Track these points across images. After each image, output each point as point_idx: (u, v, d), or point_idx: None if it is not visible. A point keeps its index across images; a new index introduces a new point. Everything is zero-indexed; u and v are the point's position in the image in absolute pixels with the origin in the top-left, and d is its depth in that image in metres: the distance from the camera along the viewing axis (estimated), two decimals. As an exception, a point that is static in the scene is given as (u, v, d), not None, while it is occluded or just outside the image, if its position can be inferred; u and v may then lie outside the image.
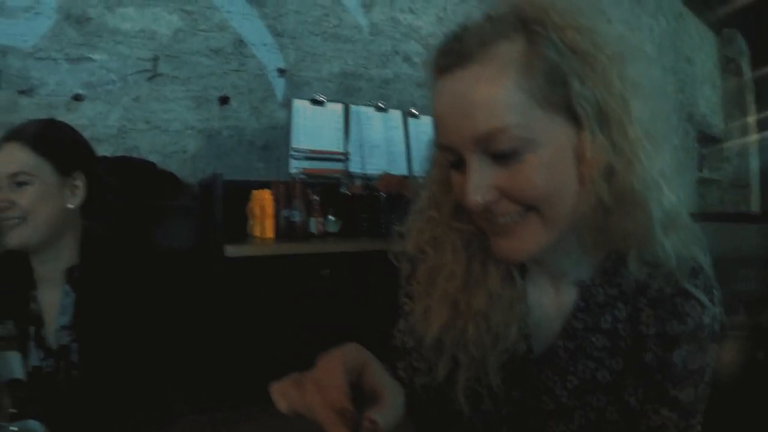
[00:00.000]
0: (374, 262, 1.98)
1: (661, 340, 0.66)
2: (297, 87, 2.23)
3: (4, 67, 2.00)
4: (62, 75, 2.00)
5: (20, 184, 1.15)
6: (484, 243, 0.65)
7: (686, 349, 0.66)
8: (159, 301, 1.23)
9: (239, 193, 1.96)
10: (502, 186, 0.59)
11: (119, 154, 1.92)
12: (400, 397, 0.57)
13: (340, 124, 2.19)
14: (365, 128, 2.23)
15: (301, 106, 2.13)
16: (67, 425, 1.00)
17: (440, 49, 0.62)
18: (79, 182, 1.23)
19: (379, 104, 2.27)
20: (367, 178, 2.16)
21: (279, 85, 2.21)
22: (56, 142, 1.22)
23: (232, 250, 1.83)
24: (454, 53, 0.60)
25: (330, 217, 2.06)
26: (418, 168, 2.29)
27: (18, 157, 1.15)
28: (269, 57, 2.20)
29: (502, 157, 0.58)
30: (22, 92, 1.98)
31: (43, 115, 2.02)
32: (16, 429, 0.87)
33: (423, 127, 2.34)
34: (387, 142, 2.26)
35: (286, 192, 1.97)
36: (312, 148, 2.12)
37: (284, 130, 2.12)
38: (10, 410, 0.94)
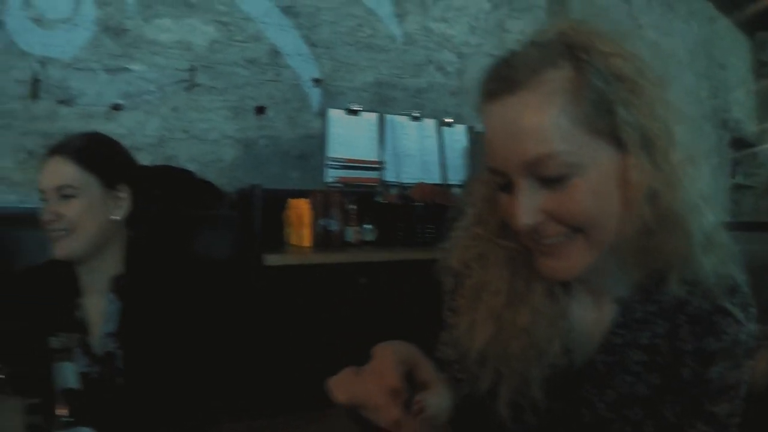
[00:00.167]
0: (410, 271, 2.01)
1: (699, 356, 0.68)
2: (332, 97, 2.25)
3: (44, 78, 2.06)
4: (101, 85, 2.05)
5: (66, 197, 1.19)
6: (529, 260, 0.67)
7: (723, 366, 0.68)
8: (200, 309, 1.25)
9: (276, 201, 1.99)
10: (549, 209, 0.61)
11: (158, 163, 1.96)
12: (448, 391, 0.64)
13: (375, 134, 2.21)
14: (400, 137, 2.25)
15: (336, 115, 2.15)
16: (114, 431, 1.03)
17: (489, 75, 0.65)
18: (124, 194, 1.27)
19: (413, 113, 2.29)
20: (402, 187, 2.18)
21: (314, 94, 2.25)
22: (101, 156, 1.26)
23: (271, 259, 1.87)
24: (503, 79, 0.62)
25: (366, 225, 2.09)
26: (453, 177, 2.32)
27: (64, 171, 1.19)
28: (304, 67, 2.23)
29: (550, 182, 0.61)
30: (61, 102, 2.03)
31: (82, 124, 2.08)
32: None
33: (456, 135, 2.36)
34: (421, 151, 2.27)
35: (323, 201, 2.00)
36: (347, 157, 2.14)
37: (320, 140, 2.14)
38: (66, 419, 0.97)
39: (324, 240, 1.99)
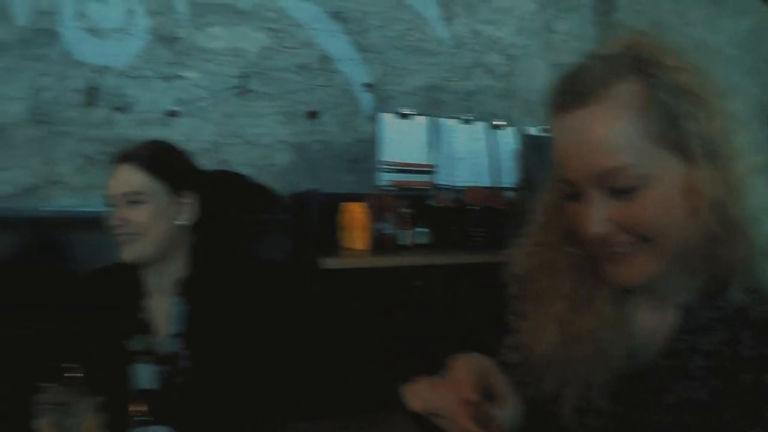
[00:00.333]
0: (464, 274, 2.01)
1: (760, 363, 0.69)
2: (383, 101, 2.27)
3: (100, 86, 2.13)
4: (156, 92, 2.10)
5: (135, 203, 1.22)
6: (593, 267, 0.70)
7: None
8: (262, 311, 1.27)
9: (328, 205, 2.03)
10: (618, 219, 0.64)
11: (212, 167, 2.00)
12: (519, 404, 0.69)
13: (426, 137, 2.22)
14: (451, 140, 2.25)
15: (387, 119, 2.18)
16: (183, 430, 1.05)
17: (558, 87, 0.67)
18: (189, 200, 1.31)
19: (464, 116, 2.29)
20: (454, 190, 2.19)
21: (365, 99, 2.27)
22: (167, 163, 1.30)
23: (328, 263, 1.89)
24: (574, 92, 0.65)
25: (419, 229, 2.10)
26: (504, 179, 2.32)
27: (133, 179, 1.23)
28: (355, 72, 2.26)
29: (620, 193, 0.63)
30: (117, 109, 2.09)
31: (138, 130, 2.13)
32: None
33: (506, 138, 2.37)
34: (472, 153, 2.28)
35: (378, 204, 2.02)
36: (399, 160, 2.16)
37: (371, 144, 2.17)
38: (143, 417, 0.99)
39: (379, 243, 2.01)
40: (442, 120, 2.26)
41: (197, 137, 2.05)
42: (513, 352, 0.81)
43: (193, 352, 1.21)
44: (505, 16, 2.51)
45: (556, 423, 0.74)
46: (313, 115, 2.21)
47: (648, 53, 0.65)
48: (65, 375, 0.93)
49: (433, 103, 2.33)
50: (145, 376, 1.24)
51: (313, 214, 1.89)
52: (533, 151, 2.34)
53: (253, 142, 2.13)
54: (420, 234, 2.08)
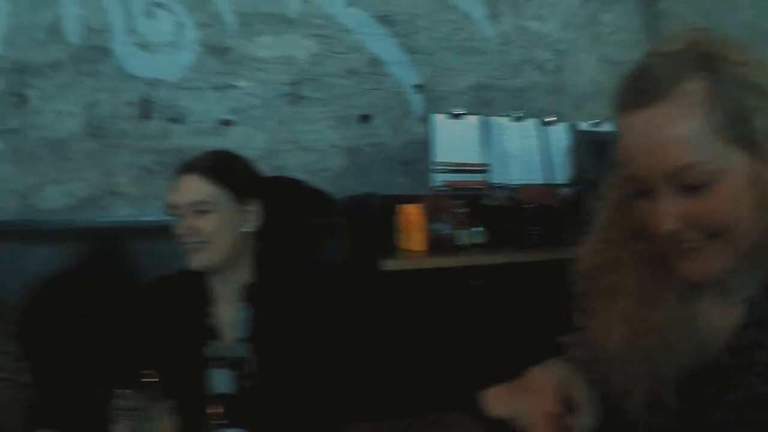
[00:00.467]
0: (521, 273, 2.00)
1: None
2: (434, 102, 2.27)
3: (154, 98, 2.19)
4: (209, 102, 2.14)
5: (201, 212, 1.26)
6: (661, 263, 0.71)
7: None
8: (325, 315, 1.29)
9: (383, 208, 2.03)
10: (689, 215, 0.65)
11: (269, 174, 2.04)
12: (596, 411, 0.71)
13: (478, 136, 2.22)
14: (503, 139, 2.24)
15: (439, 120, 2.18)
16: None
17: (626, 86, 0.69)
18: (253, 207, 1.33)
19: (515, 114, 2.29)
20: (508, 189, 2.18)
21: (416, 101, 2.28)
22: (232, 172, 1.33)
23: (388, 264, 1.90)
24: (642, 91, 0.66)
25: (475, 228, 2.10)
26: (557, 176, 2.30)
27: (199, 188, 1.27)
28: (405, 74, 2.27)
29: (691, 189, 0.65)
30: (171, 120, 2.14)
31: (193, 140, 2.18)
32: None
33: (558, 134, 2.36)
34: (524, 151, 2.27)
35: (434, 205, 2.03)
36: (452, 161, 2.16)
37: (424, 145, 2.17)
38: (219, 421, 1.01)
39: (436, 244, 2.01)
40: (493, 118, 2.26)
41: (251, 145, 2.09)
42: (580, 350, 0.82)
43: (259, 356, 1.23)
44: (550, 11, 2.50)
45: (623, 419, 0.75)
46: (364, 118, 2.23)
47: (712, 49, 0.67)
48: (141, 380, 0.95)
49: (484, 102, 2.33)
50: (220, 380, 1.26)
51: (371, 217, 1.90)
52: (585, 146, 2.32)
53: (306, 147, 2.16)
54: (476, 234, 2.08)
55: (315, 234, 1.79)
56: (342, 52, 2.24)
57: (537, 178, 2.26)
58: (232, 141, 2.09)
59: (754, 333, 0.71)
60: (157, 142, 2.13)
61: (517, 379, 0.76)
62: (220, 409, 1.01)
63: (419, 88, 2.30)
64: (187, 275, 1.34)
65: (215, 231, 1.26)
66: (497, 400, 0.70)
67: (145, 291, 1.40)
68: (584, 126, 2.37)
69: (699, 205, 0.65)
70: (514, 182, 2.21)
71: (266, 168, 2.10)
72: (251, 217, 1.33)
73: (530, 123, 2.32)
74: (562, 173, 2.30)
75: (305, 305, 1.30)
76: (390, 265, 1.89)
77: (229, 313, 1.30)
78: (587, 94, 2.46)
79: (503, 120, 2.28)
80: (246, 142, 2.10)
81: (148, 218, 2.10)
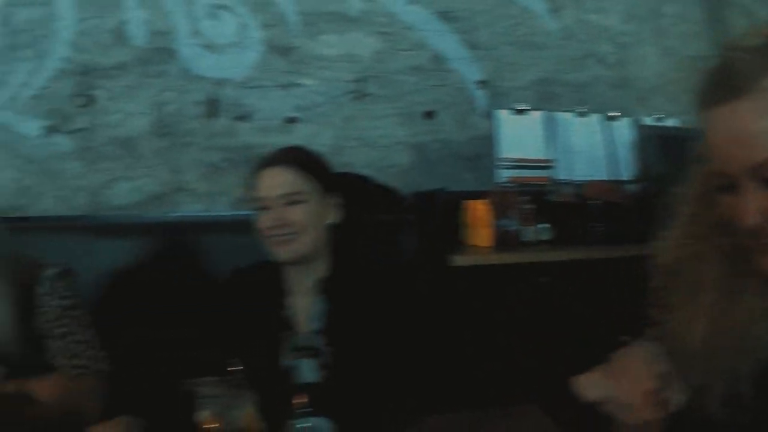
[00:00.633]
0: (588, 270, 2.00)
1: None
2: (497, 97, 2.28)
3: (221, 97, 2.25)
4: (274, 101, 2.19)
5: (294, 203, 1.29)
6: (744, 258, 0.71)
7: None
8: (398, 308, 1.31)
9: (449, 204, 2.06)
10: None
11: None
12: (683, 388, 0.72)
13: (543, 132, 2.21)
14: (566, 134, 2.22)
15: (502, 115, 2.19)
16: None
17: (708, 81, 0.69)
18: (337, 200, 1.37)
19: (578, 109, 2.27)
20: (573, 185, 2.18)
21: (480, 96, 2.29)
22: (319, 165, 1.37)
23: (458, 260, 1.92)
24: (724, 86, 0.66)
25: (541, 225, 2.11)
26: (622, 172, 2.29)
27: (290, 179, 1.30)
28: (468, 70, 2.28)
29: None
30: (238, 118, 2.20)
31: (260, 137, 2.23)
32: (310, 425, 0.96)
33: (621, 129, 2.34)
34: (589, 147, 2.25)
35: (501, 201, 2.04)
36: (517, 156, 2.16)
37: (488, 141, 2.17)
38: (304, 409, 1.03)
39: (502, 240, 2.02)
40: (557, 114, 2.26)
41: (317, 142, 2.12)
42: (657, 344, 0.80)
43: (333, 348, 1.26)
44: (611, 3, 2.47)
45: (700, 414, 0.74)
46: (429, 115, 2.25)
47: None
48: (226, 369, 0.98)
49: (547, 97, 2.32)
50: (306, 369, 1.29)
51: (440, 213, 1.93)
52: (650, 142, 2.31)
53: (372, 144, 2.19)
54: (542, 230, 2.08)
55: (384, 229, 1.82)
56: (405, 49, 2.25)
57: (601, 174, 2.24)
58: (298, 138, 2.13)
59: None
60: (224, 140, 2.19)
61: (608, 362, 0.77)
62: (305, 398, 1.03)
63: (482, 83, 2.30)
64: (263, 268, 1.38)
65: (305, 222, 1.29)
66: (591, 384, 0.71)
67: (223, 283, 1.45)
68: (649, 121, 2.35)
69: None
70: (579, 178, 2.20)
71: (333, 165, 2.16)
72: (333, 211, 1.37)
73: (594, 118, 2.31)
74: (626, 169, 2.28)
75: (377, 299, 1.32)
76: (458, 260, 1.91)
77: (304, 306, 1.33)
78: (651, 88, 2.43)
79: (567, 115, 2.28)
80: (312, 139, 2.13)
81: (216, 213, 2.17)
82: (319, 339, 1.30)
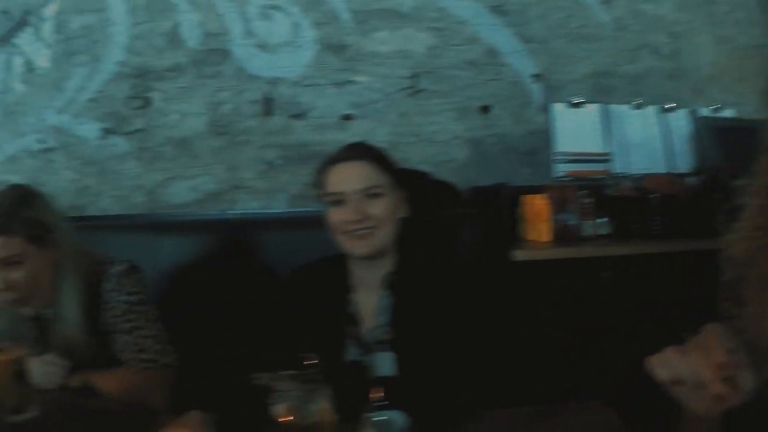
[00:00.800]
0: (649, 264, 1.96)
1: None
2: (553, 91, 2.25)
3: (276, 96, 2.27)
4: (329, 98, 2.20)
5: (374, 196, 1.29)
6: None
7: None
8: (462, 304, 1.30)
9: (508, 198, 2.05)
10: None
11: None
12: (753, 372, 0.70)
13: (599, 125, 2.17)
14: (623, 127, 2.18)
15: (558, 109, 2.16)
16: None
17: None
18: (405, 195, 1.36)
19: (634, 101, 2.23)
20: (631, 178, 2.15)
21: (535, 90, 2.27)
22: (389, 160, 1.37)
23: (518, 255, 1.91)
24: None
25: (600, 219, 2.08)
26: (679, 165, 2.24)
27: (369, 173, 1.30)
28: (522, 64, 2.26)
29: None
30: (294, 116, 2.22)
31: (316, 135, 2.24)
32: (385, 418, 0.95)
33: (678, 121, 2.30)
34: (646, 139, 2.20)
35: (560, 196, 2.01)
36: (574, 150, 2.12)
37: (545, 135, 2.15)
38: (380, 403, 1.02)
39: (561, 234, 1.99)
40: (613, 106, 2.22)
41: (374, 138, 2.09)
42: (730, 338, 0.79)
43: (400, 342, 1.25)
44: (664, -8, 2.44)
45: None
46: (485, 109, 2.23)
47: None
48: (303, 363, 0.98)
49: (602, 90, 2.27)
50: (385, 363, 1.29)
51: (503, 208, 1.91)
52: (707, 134, 2.26)
53: (428, 139, 2.19)
54: (601, 224, 2.05)
55: (446, 224, 1.82)
56: (459, 44, 2.24)
57: (659, 167, 2.20)
58: (354, 135, 2.14)
59: None
60: (280, 138, 2.21)
61: (683, 343, 0.76)
62: (381, 392, 1.02)
63: (537, 77, 2.28)
64: (328, 264, 1.38)
65: (385, 215, 1.29)
66: (664, 363, 0.70)
67: (288, 279, 1.45)
68: (705, 112, 2.30)
69: None
70: (637, 171, 2.16)
71: (391, 160, 2.16)
72: (404, 205, 1.37)
73: (650, 110, 2.27)
74: (684, 161, 2.24)
75: (441, 294, 1.32)
76: (520, 255, 1.90)
77: (370, 301, 1.33)
78: (706, 78, 2.37)
79: (623, 108, 2.24)
80: (368, 135, 2.13)
81: (273, 211, 2.19)
82: (383, 333, 1.30)
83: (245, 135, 2.24)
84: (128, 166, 2.33)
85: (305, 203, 2.11)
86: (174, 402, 1.36)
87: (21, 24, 2.39)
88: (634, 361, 1.88)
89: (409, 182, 1.51)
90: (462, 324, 1.30)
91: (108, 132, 2.34)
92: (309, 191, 2.19)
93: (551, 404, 1.13)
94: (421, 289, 1.34)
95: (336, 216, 1.31)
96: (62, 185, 2.32)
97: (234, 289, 1.76)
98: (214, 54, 2.31)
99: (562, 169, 2.12)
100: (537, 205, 1.98)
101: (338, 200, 1.31)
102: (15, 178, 2.05)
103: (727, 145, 2.17)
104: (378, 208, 1.29)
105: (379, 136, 2.15)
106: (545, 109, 2.20)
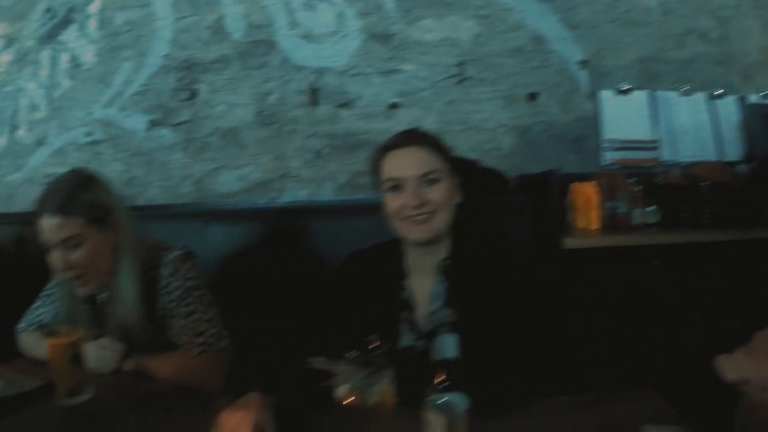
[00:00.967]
0: (699, 253, 1.93)
1: None
2: (600, 77, 2.21)
3: (322, 85, 2.26)
4: (376, 87, 2.19)
5: (432, 182, 1.28)
6: None
7: None
8: (515, 290, 1.28)
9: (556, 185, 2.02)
10: None
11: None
12: None
13: (647, 112, 2.12)
14: (671, 114, 2.13)
15: (606, 96, 2.11)
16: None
17: None
18: (458, 181, 1.35)
19: (682, 87, 2.18)
20: (680, 166, 2.10)
21: (582, 77, 2.22)
22: (445, 146, 1.36)
23: (568, 243, 1.89)
24: None
25: (649, 207, 2.04)
26: (729, 152, 2.19)
27: (427, 159, 1.28)
28: (569, 50, 2.22)
29: None
30: (341, 106, 2.21)
31: (363, 123, 2.23)
32: (447, 399, 0.94)
33: (726, 108, 2.25)
34: (694, 126, 2.15)
35: (609, 184, 1.98)
36: (622, 137, 2.07)
37: (592, 122, 2.11)
38: (443, 385, 1.01)
39: (611, 222, 1.97)
40: (660, 93, 2.17)
41: (421, 126, 2.13)
42: None
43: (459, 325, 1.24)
44: (711, -26, 2.38)
45: None
46: (532, 97, 2.20)
47: None
48: (367, 345, 0.97)
49: (650, 76, 2.21)
50: (449, 345, 1.28)
51: (553, 195, 1.89)
52: (757, 120, 2.21)
53: (475, 127, 2.16)
54: (650, 212, 2.02)
55: (497, 211, 1.80)
56: (505, 31, 2.20)
57: (708, 154, 2.14)
58: (401, 123, 2.13)
59: None
60: (327, 127, 2.20)
61: (750, 344, 0.74)
62: (443, 374, 1.01)
63: (584, 63, 2.23)
64: (381, 249, 1.38)
65: (442, 201, 1.28)
66: (733, 364, 0.71)
67: (342, 265, 1.44)
68: (754, 99, 2.25)
69: None
70: (685, 159, 2.12)
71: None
72: (458, 191, 1.36)
73: (698, 97, 2.22)
74: (733, 149, 2.19)
75: (494, 281, 1.30)
76: (570, 243, 1.87)
77: (424, 286, 1.32)
78: (755, 64, 2.31)
79: (671, 94, 2.19)
80: (415, 124, 2.09)
81: (321, 199, 2.20)
82: (437, 319, 1.29)
83: (292, 124, 2.24)
84: (175, 156, 2.35)
85: (352, 191, 2.11)
86: (228, 385, 1.37)
87: (66, 21, 2.43)
88: (684, 350, 1.85)
89: (460, 169, 1.50)
90: (514, 311, 1.29)
91: (155, 124, 2.37)
92: (356, 180, 2.21)
93: (600, 392, 1.11)
94: (474, 275, 1.32)
95: (394, 201, 1.29)
96: (110, 176, 2.31)
97: (283, 276, 1.76)
98: (260, 45, 2.31)
99: (609, 156, 2.08)
100: (586, 193, 1.95)
101: (396, 186, 1.29)
102: (63, 171, 2.09)
103: (777, 132, 2.13)
104: (435, 193, 1.28)
105: (426, 125, 2.13)
106: (592, 95, 2.16)
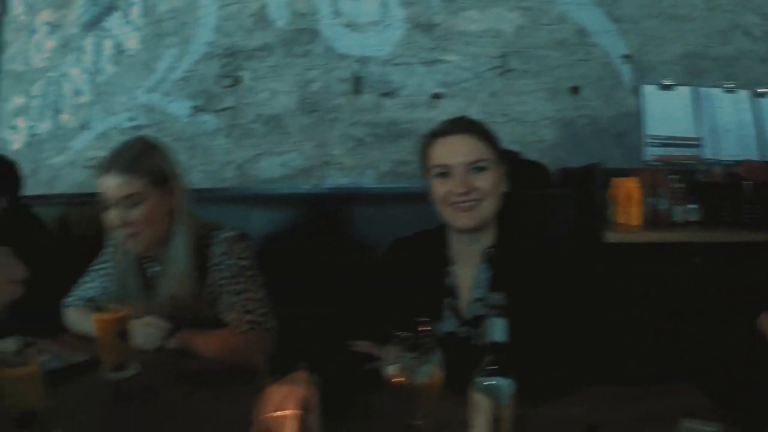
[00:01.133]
0: (740, 253, 1.90)
1: None
2: (643, 72, 2.17)
3: (366, 75, 2.26)
4: (419, 77, 2.17)
5: (478, 170, 1.27)
6: None
7: None
8: (558, 280, 1.27)
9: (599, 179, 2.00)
10: None
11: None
12: None
13: (690, 108, 2.08)
14: (714, 111, 2.08)
15: (649, 91, 2.07)
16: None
17: None
18: (505, 171, 1.34)
19: (726, 84, 2.13)
20: (723, 165, 2.07)
21: (626, 71, 2.19)
22: (493, 135, 1.35)
23: (610, 237, 1.87)
24: None
25: (691, 205, 2.02)
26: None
27: (476, 148, 1.27)
28: (612, 44, 2.18)
29: None
30: (384, 95, 2.19)
31: (406, 113, 2.22)
32: (494, 383, 0.93)
33: (772, 107, 2.20)
34: (737, 125, 2.11)
35: (651, 180, 1.95)
36: (664, 134, 2.03)
37: (635, 117, 2.07)
38: (491, 368, 1.01)
39: (652, 219, 1.94)
40: (704, 89, 2.14)
41: (464, 117, 2.12)
42: None
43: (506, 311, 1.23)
44: (756, -29, 2.32)
45: None
46: (575, 90, 2.17)
47: None
48: (418, 327, 0.97)
49: (694, 72, 2.17)
50: (499, 329, 1.28)
51: (596, 189, 1.87)
52: None
53: (518, 119, 2.14)
54: (691, 210, 2.00)
55: (541, 203, 1.79)
56: (548, 24, 2.17)
57: (751, 153, 2.09)
58: (444, 113, 2.10)
59: None
60: (370, 116, 2.20)
61: None
62: (492, 357, 1.01)
63: (627, 57, 2.19)
64: (426, 237, 1.38)
65: (489, 189, 1.27)
66: None
67: (387, 251, 1.45)
68: (801, 97, 2.20)
69: None
70: (728, 157, 2.08)
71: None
72: (505, 181, 1.35)
73: (742, 94, 2.18)
74: (777, 148, 2.15)
75: (538, 271, 1.30)
76: (610, 237, 1.86)
77: (468, 273, 1.32)
78: (802, 62, 2.27)
79: (714, 91, 2.16)
80: (458, 114, 2.12)
81: (363, 186, 2.20)
82: (481, 306, 1.29)
83: (335, 112, 2.24)
84: (218, 142, 2.37)
85: (394, 180, 2.11)
86: (272, 367, 1.38)
87: (109, 9, 2.45)
88: (724, 347, 1.83)
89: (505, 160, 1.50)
90: (558, 301, 1.28)
91: (198, 110, 2.38)
92: (398, 168, 2.21)
93: (640, 386, 1.10)
94: (519, 264, 1.32)
95: (442, 188, 1.29)
96: (156, 161, 2.37)
97: (325, 262, 1.77)
98: (303, 33, 2.31)
99: (652, 152, 2.05)
100: (628, 188, 1.93)
101: (444, 173, 1.29)
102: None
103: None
104: (483, 181, 1.27)
105: (469, 115, 2.13)
106: (636, 90, 2.13)
